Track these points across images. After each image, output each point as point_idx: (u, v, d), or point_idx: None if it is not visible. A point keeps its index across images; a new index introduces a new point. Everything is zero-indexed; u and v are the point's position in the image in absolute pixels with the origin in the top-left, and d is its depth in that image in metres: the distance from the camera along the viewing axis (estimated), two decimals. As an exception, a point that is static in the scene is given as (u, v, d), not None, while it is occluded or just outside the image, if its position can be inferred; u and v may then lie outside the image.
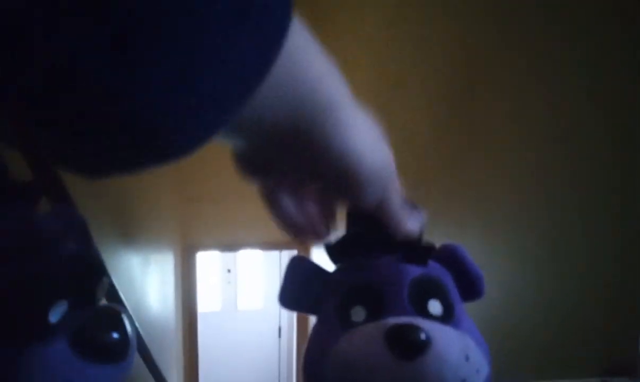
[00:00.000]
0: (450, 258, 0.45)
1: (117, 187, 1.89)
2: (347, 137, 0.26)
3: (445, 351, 0.36)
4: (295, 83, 0.21)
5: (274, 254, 5.30)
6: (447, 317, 0.40)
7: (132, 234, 2.16)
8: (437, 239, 0.45)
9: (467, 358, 0.37)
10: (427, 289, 0.42)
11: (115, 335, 0.41)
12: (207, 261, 5.49)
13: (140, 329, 1.73)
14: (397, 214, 0.37)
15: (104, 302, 0.47)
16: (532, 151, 1.08)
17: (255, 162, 0.32)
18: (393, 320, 0.38)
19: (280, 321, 5.57)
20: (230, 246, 4.13)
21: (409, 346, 0.36)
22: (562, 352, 0.93)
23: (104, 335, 0.41)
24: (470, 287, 0.44)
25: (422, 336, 0.36)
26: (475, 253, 0.45)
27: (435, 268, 0.44)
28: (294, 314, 4.66)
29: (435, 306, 0.40)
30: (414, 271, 0.42)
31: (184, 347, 4.07)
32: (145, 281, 2.38)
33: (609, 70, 0.86)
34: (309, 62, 0.22)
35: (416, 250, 0.43)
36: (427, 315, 0.40)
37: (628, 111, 0.82)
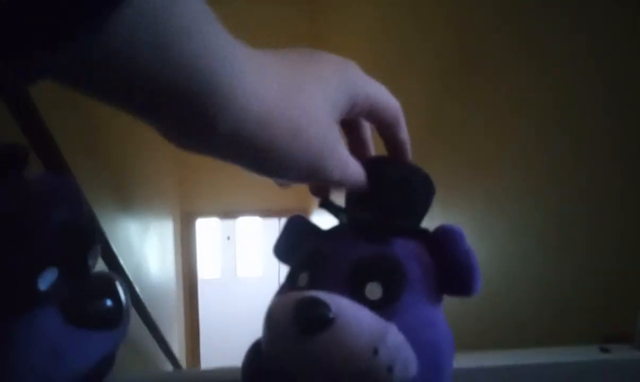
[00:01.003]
0: (439, 243, 0.40)
1: (116, 154, 1.87)
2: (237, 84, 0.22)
3: (345, 335, 0.34)
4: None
5: (273, 221, 5.33)
6: (384, 304, 0.37)
7: (130, 201, 2.15)
8: (443, 219, 0.43)
9: (375, 351, 0.34)
10: (372, 270, 0.39)
11: (108, 302, 0.40)
12: (207, 229, 5.53)
13: (140, 294, 1.75)
14: (337, 182, 0.35)
15: (101, 270, 0.46)
16: (533, 127, 1.06)
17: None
18: (308, 293, 0.37)
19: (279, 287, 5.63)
20: (229, 213, 4.15)
21: (306, 320, 0.34)
22: (562, 321, 0.94)
23: (96, 302, 0.40)
24: (454, 279, 0.39)
25: (322, 313, 0.34)
26: (477, 225, 0.43)
27: (401, 251, 0.40)
28: (293, 281, 4.71)
29: (373, 290, 0.38)
30: (366, 249, 0.40)
31: (186, 312, 4.14)
32: (145, 248, 2.39)
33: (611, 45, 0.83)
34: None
35: (375, 227, 0.42)
36: (360, 297, 0.37)
37: (634, 75, 0.80)
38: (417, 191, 0.44)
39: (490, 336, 1.13)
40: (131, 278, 1.63)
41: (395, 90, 0.36)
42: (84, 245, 0.43)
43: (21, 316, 0.35)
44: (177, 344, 3.53)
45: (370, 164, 0.46)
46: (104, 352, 0.41)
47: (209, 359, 4.56)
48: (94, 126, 1.57)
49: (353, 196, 0.47)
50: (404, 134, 0.42)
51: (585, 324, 0.90)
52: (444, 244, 0.40)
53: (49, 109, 0.97)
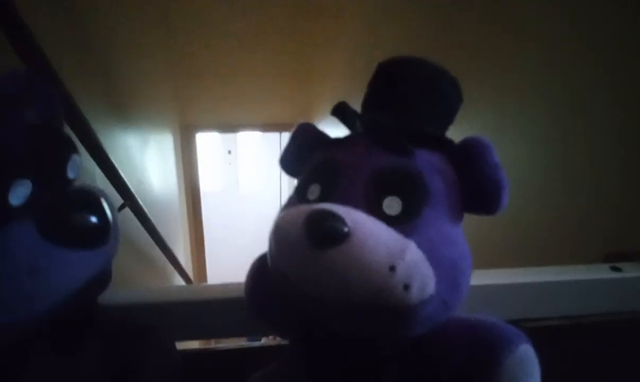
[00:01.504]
0: (466, 155, 0.37)
1: (110, 64, 1.78)
2: None
3: (360, 251, 0.32)
4: None
5: (274, 135, 5.27)
6: (403, 219, 0.35)
7: (129, 113, 2.09)
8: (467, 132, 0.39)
9: (392, 267, 0.32)
10: (390, 183, 0.36)
11: (91, 218, 0.36)
12: (208, 143, 5.49)
13: (145, 208, 1.77)
14: None
15: (83, 183, 0.41)
16: (546, 41, 0.98)
17: None
18: (322, 205, 0.35)
19: (281, 201, 5.72)
20: (229, 126, 4.08)
21: (320, 233, 0.33)
22: (569, 237, 0.94)
23: (77, 217, 0.36)
24: (481, 195, 0.36)
25: (336, 227, 0.32)
26: (500, 139, 0.39)
27: (423, 163, 0.37)
28: (295, 195, 4.77)
29: (391, 204, 0.35)
30: (385, 160, 0.37)
31: (190, 224, 4.24)
32: (146, 162, 2.37)
33: None
34: None
35: (396, 137, 0.38)
36: (377, 211, 0.35)
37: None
38: (445, 94, 0.40)
39: (505, 257, 1.14)
40: (134, 192, 1.63)
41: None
42: (60, 154, 0.38)
43: None
44: (184, 258, 3.66)
45: (391, 63, 0.41)
46: (89, 273, 0.37)
47: (214, 272, 4.75)
48: (86, 33, 1.47)
49: (370, 99, 0.43)
50: None
51: (594, 240, 0.91)
52: (471, 156, 0.36)
53: (36, 15, 0.89)
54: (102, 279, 0.41)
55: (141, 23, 2.41)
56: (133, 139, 2.11)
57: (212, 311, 0.58)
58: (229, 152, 5.89)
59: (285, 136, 4.59)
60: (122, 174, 1.44)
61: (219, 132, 4.21)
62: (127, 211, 1.61)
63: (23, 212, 0.33)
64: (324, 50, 3.28)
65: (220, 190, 5.91)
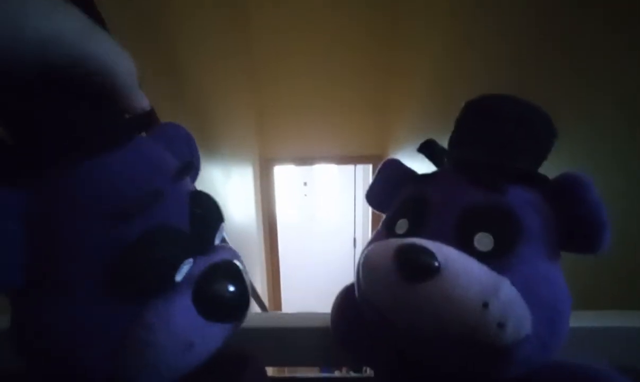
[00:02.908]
0: (563, 192, 0.35)
1: (199, 100, 1.94)
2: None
3: (452, 286, 0.31)
4: None
5: (349, 168, 5.33)
6: (496, 256, 0.33)
7: (214, 147, 2.24)
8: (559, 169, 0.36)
9: (485, 304, 0.30)
10: (482, 219, 0.35)
11: (237, 292, 0.37)
12: (285, 175, 5.69)
13: (227, 237, 1.85)
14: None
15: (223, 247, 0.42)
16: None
17: None
18: (412, 240, 0.34)
19: (355, 233, 5.73)
20: (306, 159, 4.20)
21: (411, 267, 0.32)
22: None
23: (227, 292, 0.35)
24: (580, 234, 0.34)
25: (427, 262, 0.32)
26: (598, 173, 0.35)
27: (516, 199, 0.35)
28: (369, 226, 4.75)
29: (483, 241, 0.34)
30: (476, 196, 0.36)
31: (266, 254, 4.37)
32: (228, 193, 2.51)
33: None
34: None
35: (489, 173, 0.36)
36: (468, 247, 0.34)
37: None
38: (538, 130, 0.39)
39: (606, 297, 1.03)
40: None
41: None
42: (216, 225, 0.40)
43: (157, 303, 0.32)
44: (260, 287, 3.76)
45: (482, 100, 0.40)
46: (226, 340, 0.39)
47: (289, 302, 4.82)
48: (176, 70, 1.62)
49: (459, 136, 0.42)
50: None
51: None
52: (569, 193, 0.34)
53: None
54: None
55: (226, 62, 2.60)
56: (217, 172, 2.24)
57: (290, 339, 0.59)
58: (305, 184, 6.05)
59: (360, 168, 4.61)
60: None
61: (295, 164, 4.36)
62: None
63: (182, 286, 0.33)
64: (400, 81, 3.29)
65: (297, 221, 6.05)
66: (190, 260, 0.35)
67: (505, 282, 0.32)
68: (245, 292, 0.38)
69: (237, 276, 0.37)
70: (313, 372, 0.68)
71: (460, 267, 0.32)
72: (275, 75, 3.55)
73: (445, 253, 0.33)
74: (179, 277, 0.33)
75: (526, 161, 0.38)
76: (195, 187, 0.42)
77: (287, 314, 0.63)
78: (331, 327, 0.53)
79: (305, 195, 6.08)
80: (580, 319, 0.53)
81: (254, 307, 3.06)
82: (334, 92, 3.65)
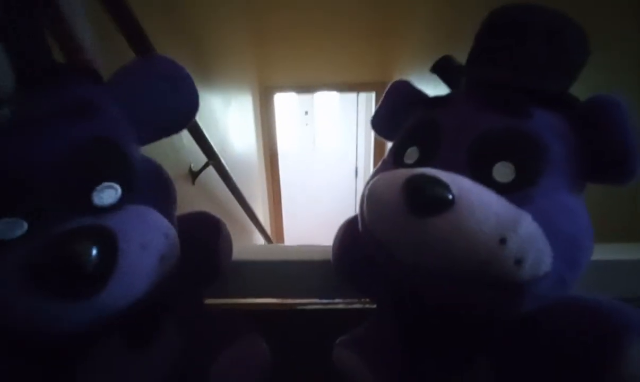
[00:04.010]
0: (594, 116, 0.31)
1: (195, 27, 1.83)
2: None
3: (466, 220, 0.28)
4: None
5: (351, 96, 5.20)
6: (516, 188, 0.31)
7: (212, 75, 2.16)
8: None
9: (502, 240, 0.28)
10: (503, 146, 0.32)
11: (60, 266, 0.29)
12: (285, 103, 5.57)
13: (226, 166, 1.84)
14: None
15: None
16: None
17: None
18: (423, 170, 0.31)
19: (357, 162, 5.71)
20: (306, 87, 4.08)
21: (421, 200, 0.30)
22: None
23: (51, 266, 0.29)
24: (610, 162, 0.31)
25: (440, 193, 0.29)
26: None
27: (541, 125, 0.32)
28: (371, 155, 4.72)
29: (503, 171, 0.31)
30: (496, 121, 0.32)
31: (267, 184, 4.39)
32: (228, 122, 2.46)
33: None
34: None
35: (513, 95, 0.33)
36: (486, 178, 0.31)
37: None
38: (569, 46, 0.34)
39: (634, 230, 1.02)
40: (217, 151, 1.69)
41: None
42: (89, 179, 0.34)
43: None
44: (262, 217, 3.81)
45: (506, 11, 0.36)
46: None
47: (291, 231, 4.91)
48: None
49: (479, 53, 0.38)
50: None
51: None
52: (600, 117, 0.31)
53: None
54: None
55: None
56: (216, 101, 2.18)
57: (292, 271, 0.59)
58: (306, 113, 5.93)
59: (363, 96, 4.51)
60: (207, 135, 1.50)
61: (296, 92, 4.25)
62: (211, 169, 1.68)
63: (18, 246, 0.30)
64: (403, 6, 3.10)
65: (298, 151, 6.01)
66: (19, 220, 0.30)
67: (526, 216, 0.29)
68: (93, 272, 0.30)
69: (83, 251, 0.30)
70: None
71: (475, 199, 0.29)
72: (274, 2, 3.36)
73: (459, 184, 0.30)
74: (9, 235, 0.30)
75: (555, 81, 0.34)
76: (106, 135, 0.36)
77: (289, 246, 0.62)
78: (333, 261, 0.52)
79: (307, 124, 5.99)
80: (603, 252, 0.53)
81: (259, 239, 3.12)
82: (334, 18, 3.47)
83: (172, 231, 0.38)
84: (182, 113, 0.43)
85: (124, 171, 0.36)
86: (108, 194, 0.34)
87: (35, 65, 0.29)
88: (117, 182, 0.35)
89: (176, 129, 0.43)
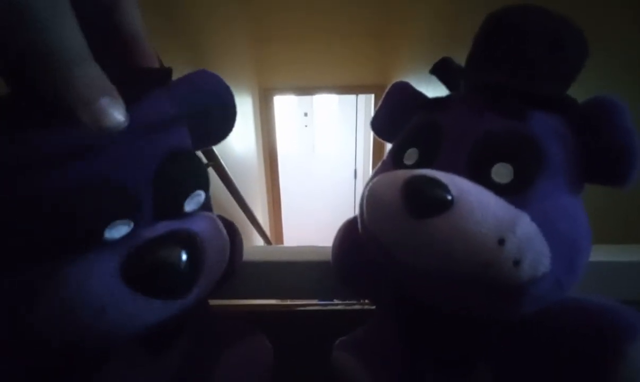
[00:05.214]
0: (593, 117, 0.31)
1: (196, 30, 1.84)
2: None
3: (466, 221, 0.28)
4: None
5: (350, 98, 5.21)
6: (514, 189, 0.31)
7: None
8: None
9: (501, 241, 0.28)
10: (501, 148, 0.32)
11: (168, 265, 0.31)
12: (285, 105, 5.58)
13: (226, 167, 1.84)
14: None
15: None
16: None
17: None
18: (422, 171, 0.32)
19: (356, 164, 5.72)
20: (306, 89, 4.09)
21: (420, 201, 0.30)
22: None
23: (158, 266, 0.30)
24: (608, 164, 0.31)
25: (439, 195, 0.29)
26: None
27: (540, 127, 0.32)
28: (370, 157, 4.73)
29: (501, 172, 0.31)
30: (494, 123, 0.33)
31: (267, 186, 4.39)
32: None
33: None
34: None
35: (511, 97, 0.33)
36: (485, 179, 0.31)
37: None
38: (569, 50, 0.34)
39: (633, 232, 1.02)
40: (217, 153, 1.69)
41: None
42: (185, 188, 0.36)
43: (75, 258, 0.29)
44: (262, 219, 3.81)
45: (505, 13, 0.36)
46: (152, 313, 0.32)
47: (290, 232, 4.91)
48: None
49: (478, 55, 0.38)
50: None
51: None
52: (599, 118, 0.31)
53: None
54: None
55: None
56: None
57: (291, 272, 0.59)
58: (305, 114, 5.94)
59: (362, 98, 4.53)
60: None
61: (295, 95, 4.25)
62: (210, 171, 1.68)
63: (115, 248, 0.30)
64: (402, 8, 3.11)
65: (297, 152, 6.02)
66: (127, 221, 0.31)
67: (524, 217, 0.30)
68: (185, 274, 0.32)
69: (179, 253, 0.31)
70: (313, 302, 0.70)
71: (475, 200, 0.29)
72: (272, 1, 3.35)
73: (458, 185, 0.30)
74: (108, 236, 0.30)
75: (553, 84, 0.34)
76: (185, 147, 0.37)
77: (288, 247, 0.62)
78: (332, 261, 0.52)
79: (306, 126, 6.00)
80: (600, 254, 0.53)
81: (258, 240, 3.12)
82: (333, 20, 3.48)
83: (227, 237, 0.40)
84: (214, 138, 0.44)
85: (208, 179, 0.38)
86: (197, 201, 0.37)
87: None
88: (204, 190, 0.37)
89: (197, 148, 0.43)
